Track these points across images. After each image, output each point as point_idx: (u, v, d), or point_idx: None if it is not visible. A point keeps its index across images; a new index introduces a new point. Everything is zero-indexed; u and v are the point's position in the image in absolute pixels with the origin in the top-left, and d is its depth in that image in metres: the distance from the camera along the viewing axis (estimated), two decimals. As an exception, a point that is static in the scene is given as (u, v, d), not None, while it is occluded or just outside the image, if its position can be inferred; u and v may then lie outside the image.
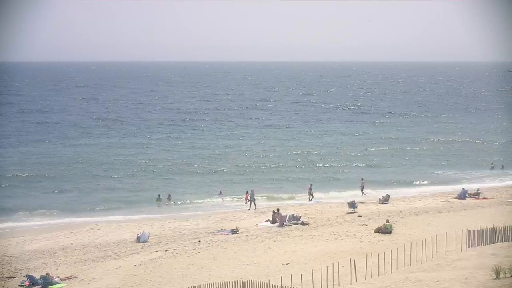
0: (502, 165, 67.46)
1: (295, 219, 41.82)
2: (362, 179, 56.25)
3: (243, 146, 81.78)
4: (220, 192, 55.60)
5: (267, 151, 77.64)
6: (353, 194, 52.89)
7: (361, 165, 68.80)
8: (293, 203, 50.86)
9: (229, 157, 73.34)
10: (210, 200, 53.40)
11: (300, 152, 77.32)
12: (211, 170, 65.65)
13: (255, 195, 49.65)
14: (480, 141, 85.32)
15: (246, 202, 50.77)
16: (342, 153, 76.14)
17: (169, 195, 53.12)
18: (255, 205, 48.89)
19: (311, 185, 53.39)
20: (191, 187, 58.51)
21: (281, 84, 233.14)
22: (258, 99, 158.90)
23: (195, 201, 53.16)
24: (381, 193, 52.31)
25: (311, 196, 52.19)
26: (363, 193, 53.84)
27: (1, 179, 59.64)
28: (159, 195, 53.05)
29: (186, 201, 53.01)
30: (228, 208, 50.70)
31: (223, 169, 66.13)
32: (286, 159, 72.55)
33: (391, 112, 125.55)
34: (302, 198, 52.83)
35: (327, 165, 69.08)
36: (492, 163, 67.45)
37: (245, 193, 51.85)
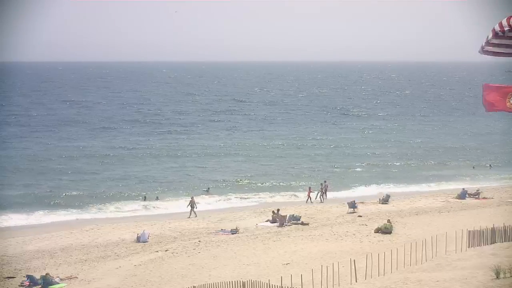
0: (490, 164, 68.08)
1: (295, 219, 41.81)
2: (325, 181, 53.51)
3: (234, 146, 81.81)
4: (208, 188, 55.57)
5: (264, 151, 77.80)
6: (353, 195, 52.89)
7: (359, 166, 68.74)
8: (293, 203, 50.87)
9: (218, 158, 73.32)
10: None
11: (297, 152, 77.41)
12: (201, 171, 65.48)
13: (195, 203, 46.78)
14: (476, 142, 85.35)
15: (308, 199, 50.60)
16: (339, 154, 76.26)
17: (157, 197, 52.95)
18: (195, 214, 46.07)
19: (321, 185, 52.44)
20: (180, 186, 58.05)
21: (297, 84, 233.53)
22: (258, 100, 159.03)
23: (183, 199, 52.78)
24: (382, 193, 52.41)
25: (323, 196, 51.42)
26: (322, 197, 51.17)
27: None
28: (144, 196, 53.06)
29: (171, 200, 52.31)
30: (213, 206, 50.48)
31: (213, 170, 66.03)
32: (282, 159, 72.58)
33: (385, 114, 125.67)
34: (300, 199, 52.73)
35: (324, 165, 69.14)
36: (473, 166, 67.83)
37: (308, 188, 51.58)
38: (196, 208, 46.52)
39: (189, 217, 45.59)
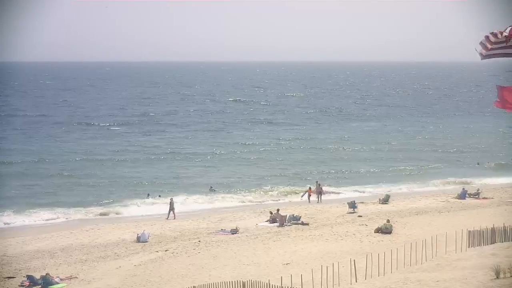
0: (478, 162, 69.00)
1: (295, 219, 41.79)
2: (316, 181, 53.18)
3: (233, 146, 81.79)
4: (211, 187, 55.45)
5: (263, 151, 77.85)
6: (353, 195, 52.88)
7: (359, 166, 68.73)
8: (293, 203, 50.82)
9: (217, 158, 73.31)
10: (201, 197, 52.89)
11: (296, 152, 77.44)
12: (200, 171, 65.52)
13: (174, 204, 46.34)
14: (476, 141, 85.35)
15: (309, 199, 50.36)
16: (339, 154, 76.24)
17: (159, 196, 52.94)
18: (174, 215, 45.65)
19: (317, 184, 52.30)
20: (181, 185, 58.04)
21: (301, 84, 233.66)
22: (258, 101, 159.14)
23: (186, 198, 52.53)
24: (382, 193, 52.40)
25: (319, 196, 51.11)
26: (319, 198, 50.66)
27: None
28: (148, 194, 53.09)
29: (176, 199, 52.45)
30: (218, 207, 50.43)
31: (213, 170, 66.03)
32: (281, 159, 72.60)
33: (385, 114, 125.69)
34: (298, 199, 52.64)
35: (322, 165, 69.13)
36: (477, 162, 68.60)
37: (308, 188, 51.36)
38: (174, 209, 46.13)
39: (167, 218, 45.15)
